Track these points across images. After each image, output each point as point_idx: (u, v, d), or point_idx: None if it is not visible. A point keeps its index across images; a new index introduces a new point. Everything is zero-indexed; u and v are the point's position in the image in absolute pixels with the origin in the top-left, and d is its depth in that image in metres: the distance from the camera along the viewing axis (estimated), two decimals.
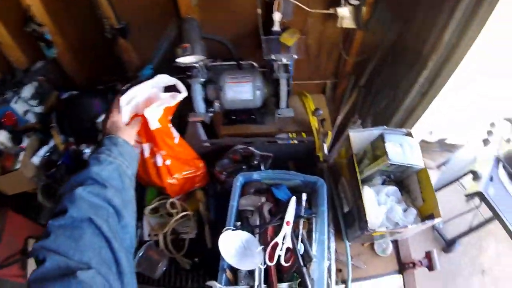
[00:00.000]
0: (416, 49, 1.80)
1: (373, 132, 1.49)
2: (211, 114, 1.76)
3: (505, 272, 2.93)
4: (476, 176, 2.14)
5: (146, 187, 1.67)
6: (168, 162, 1.43)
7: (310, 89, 2.17)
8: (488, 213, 2.26)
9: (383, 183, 1.51)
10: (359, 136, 1.51)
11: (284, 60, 1.62)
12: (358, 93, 2.13)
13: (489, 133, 2.47)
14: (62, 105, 2.24)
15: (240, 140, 1.57)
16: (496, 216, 2.17)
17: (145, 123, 1.21)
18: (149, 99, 1.27)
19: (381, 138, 1.45)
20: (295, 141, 1.58)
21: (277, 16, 1.85)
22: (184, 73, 1.74)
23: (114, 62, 2.16)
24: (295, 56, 1.66)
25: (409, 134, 1.55)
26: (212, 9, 1.87)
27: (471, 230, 2.48)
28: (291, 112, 1.70)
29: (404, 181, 1.54)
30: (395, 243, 1.64)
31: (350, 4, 1.83)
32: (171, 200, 1.59)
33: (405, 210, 1.43)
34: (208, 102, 1.78)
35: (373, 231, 1.30)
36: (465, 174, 2.25)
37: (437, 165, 2.98)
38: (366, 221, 1.28)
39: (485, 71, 2.04)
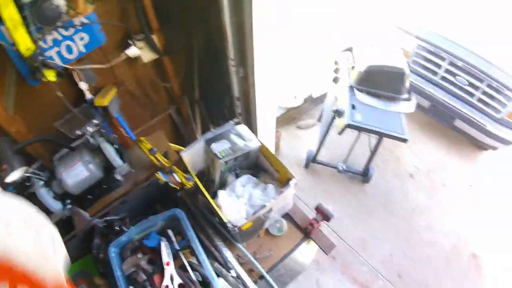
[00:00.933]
0: (214, 43, 1.90)
1: (202, 142, 1.54)
2: (69, 206, 1.73)
3: (428, 165, 3.18)
4: (338, 113, 2.29)
5: None
6: None
7: (157, 127, 2.22)
8: None
9: (237, 177, 1.56)
10: (195, 152, 1.56)
11: (90, 129, 1.64)
12: (199, 106, 2.21)
13: (336, 70, 2.67)
14: None
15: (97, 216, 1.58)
16: (375, 133, 2.34)
17: None
18: None
19: (206, 143, 1.51)
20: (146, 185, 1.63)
21: (83, 86, 1.86)
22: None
23: None
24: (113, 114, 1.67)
25: (238, 123, 1.64)
26: (30, 110, 1.80)
27: (373, 152, 2.63)
28: (127, 167, 1.73)
29: (257, 163, 1.62)
30: (288, 216, 1.70)
31: (138, 40, 1.90)
32: None
33: (266, 189, 1.49)
34: (62, 196, 1.75)
35: (239, 227, 1.35)
36: (333, 116, 2.40)
37: (317, 120, 3.16)
38: (225, 223, 1.33)
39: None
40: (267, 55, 1.89)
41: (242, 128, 1.58)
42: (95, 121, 1.67)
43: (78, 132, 1.64)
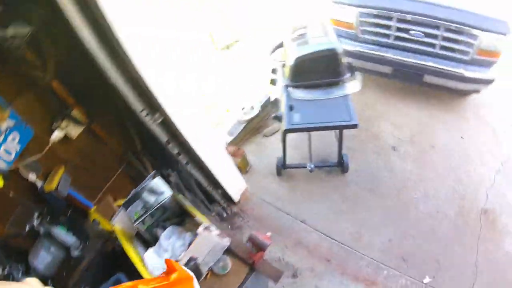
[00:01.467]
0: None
1: (122, 208, 1.59)
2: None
3: (410, 131, 2.98)
4: (278, 118, 2.22)
5: None
6: None
7: (118, 185, 2.27)
8: None
9: (165, 228, 1.59)
10: (124, 218, 1.61)
11: (35, 221, 1.78)
12: (145, 156, 2.27)
13: (274, 71, 2.58)
14: None
15: None
16: (318, 129, 2.24)
17: None
18: None
19: (124, 208, 1.56)
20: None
21: (31, 177, 2.00)
22: None
23: None
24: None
25: (154, 176, 1.67)
26: None
27: (340, 140, 2.48)
28: (78, 243, 1.83)
29: (183, 210, 1.63)
30: (230, 251, 1.68)
31: (62, 120, 2.00)
32: None
33: (184, 239, 1.50)
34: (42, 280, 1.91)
35: None
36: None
37: None
38: None
39: None
40: (175, 91, 1.90)
41: (156, 182, 1.61)
42: (36, 213, 1.81)
43: (28, 228, 1.78)
